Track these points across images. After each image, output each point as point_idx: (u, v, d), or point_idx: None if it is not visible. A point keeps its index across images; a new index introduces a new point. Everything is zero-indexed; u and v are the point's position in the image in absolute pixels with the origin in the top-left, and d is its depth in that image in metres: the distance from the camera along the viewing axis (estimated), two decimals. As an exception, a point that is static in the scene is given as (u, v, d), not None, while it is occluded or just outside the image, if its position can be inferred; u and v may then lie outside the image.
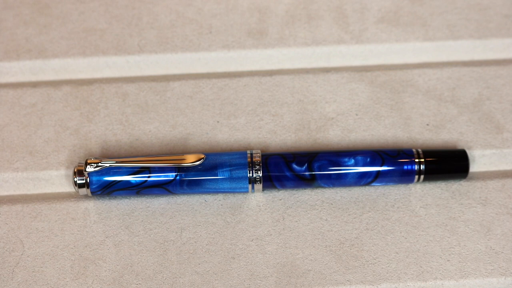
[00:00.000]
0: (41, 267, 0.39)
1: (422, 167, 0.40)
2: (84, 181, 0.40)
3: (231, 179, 0.40)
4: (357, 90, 0.45)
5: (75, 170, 0.40)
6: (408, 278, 0.38)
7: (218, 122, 0.44)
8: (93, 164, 0.40)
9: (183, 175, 0.40)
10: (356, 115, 0.44)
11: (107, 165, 0.40)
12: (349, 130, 0.43)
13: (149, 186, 0.40)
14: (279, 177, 0.40)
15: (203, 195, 0.41)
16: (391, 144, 0.43)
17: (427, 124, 0.43)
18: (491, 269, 0.39)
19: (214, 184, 0.40)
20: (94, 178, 0.40)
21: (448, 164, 0.41)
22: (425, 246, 0.39)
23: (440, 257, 0.39)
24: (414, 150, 0.41)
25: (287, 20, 0.47)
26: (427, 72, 0.45)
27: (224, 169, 0.40)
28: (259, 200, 0.41)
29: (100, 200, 0.41)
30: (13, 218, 0.41)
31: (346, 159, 0.40)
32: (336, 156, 0.40)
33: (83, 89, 0.45)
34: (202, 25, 0.47)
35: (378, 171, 0.40)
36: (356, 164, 0.40)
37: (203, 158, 0.40)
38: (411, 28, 0.47)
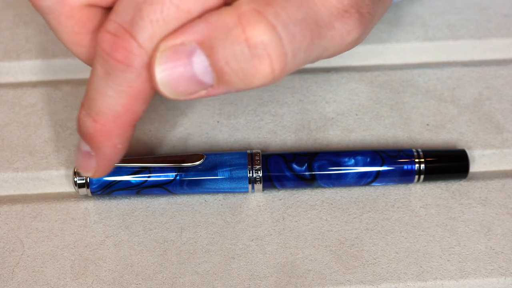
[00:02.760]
0: (41, 267, 0.39)
1: (422, 167, 0.40)
2: (84, 181, 0.40)
3: (231, 179, 0.40)
4: (357, 90, 0.45)
5: (75, 170, 0.40)
6: (408, 278, 0.38)
7: (218, 122, 0.44)
8: (93, 164, 0.40)
9: (183, 175, 0.40)
10: (356, 115, 0.44)
11: (107, 165, 0.40)
12: (349, 130, 0.43)
13: (149, 186, 0.40)
14: (279, 177, 0.40)
15: (203, 195, 0.41)
16: (391, 144, 0.43)
17: (427, 124, 0.43)
18: (491, 269, 0.39)
19: (214, 184, 0.40)
20: (94, 178, 0.40)
21: (448, 164, 0.41)
22: (425, 246, 0.39)
23: (440, 257, 0.39)
24: (414, 150, 0.41)
25: (287, 20, 0.47)
26: (427, 72, 0.45)
27: (224, 169, 0.40)
28: (259, 200, 0.41)
29: (100, 200, 0.41)
30: (13, 218, 0.41)
31: (346, 159, 0.40)
32: (336, 156, 0.40)
33: (83, 89, 0.45)
34: (202, 25, 0.47)
35: (378, 171, 0.40)
36: (356, 164, 0.40)
37: (203, 158, 0.40)
38: (411, 28, 0.47)
